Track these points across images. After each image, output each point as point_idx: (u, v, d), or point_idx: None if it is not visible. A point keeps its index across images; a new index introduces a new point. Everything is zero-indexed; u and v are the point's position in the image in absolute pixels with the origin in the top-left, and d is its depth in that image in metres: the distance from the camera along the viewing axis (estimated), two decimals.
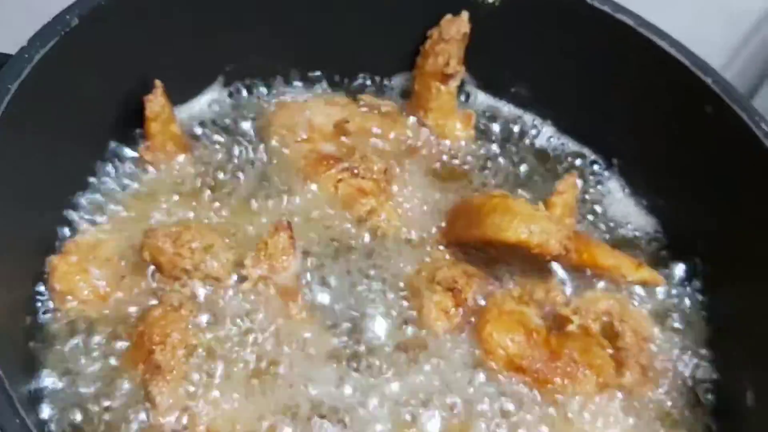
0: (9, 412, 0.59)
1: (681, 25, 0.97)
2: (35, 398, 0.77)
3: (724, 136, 0.91)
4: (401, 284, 0.92)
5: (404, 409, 0.82)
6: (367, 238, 0.95)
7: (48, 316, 0.83)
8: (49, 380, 0.79)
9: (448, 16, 1.04)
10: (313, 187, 0.99)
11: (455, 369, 0.85)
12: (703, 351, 0.92)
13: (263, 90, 1.08)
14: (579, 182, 1.03)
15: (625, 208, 1.05)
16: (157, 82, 0.95)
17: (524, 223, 0.88)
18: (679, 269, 0.99)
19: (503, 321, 0.87)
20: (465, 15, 1.03)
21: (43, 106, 0.83)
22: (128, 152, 0.97)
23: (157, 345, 0.79)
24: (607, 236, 1.01)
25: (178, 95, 1.01)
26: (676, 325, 0.94)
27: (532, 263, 0.93)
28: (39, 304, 0.83)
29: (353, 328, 0.88)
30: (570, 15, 1.01)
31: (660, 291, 0.96)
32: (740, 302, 0.92)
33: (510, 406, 0.83)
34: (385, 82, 1.12)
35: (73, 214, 0.91)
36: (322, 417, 0.80)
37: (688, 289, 0.97)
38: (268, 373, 0.82)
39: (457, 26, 1.03)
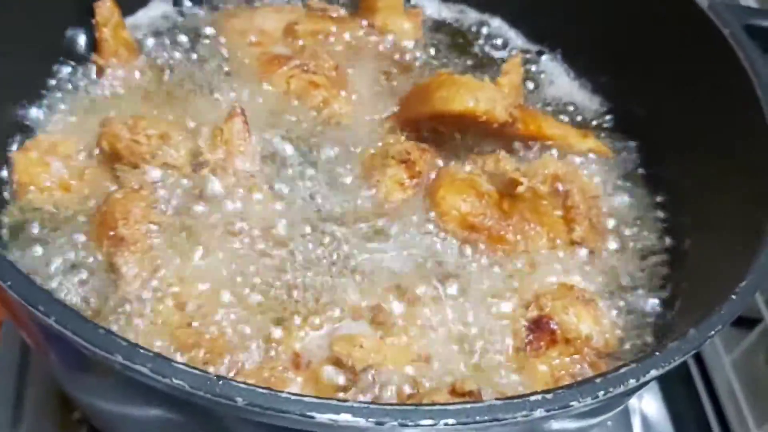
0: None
1: None
2: None
3: (656, 6, 0.94)
4: (357, 165, 0.94)
5: (366, 271, 0.85)
6: (321, 127, 0.98)
7: (10, 205, 0.85)
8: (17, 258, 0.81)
9: None
10: (266, 85, 1.01)
11: (412, 234, 0.88)
12: (649, 205, 0.96)
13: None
14: (525, 67, 1.06)
15: (570, 90, 1.08)
16: None
17: (470, 92, 0.91)
18: (625, 140, 1.02)
19: (455, 185, 0.90)
20: None
21: None
22: (83, 57, 0.98)
23: (120, 220, 0.81)
24: (555, 115, 1.05)
25: (129, 5, 1.03)
26: (623, 186, 0.97)
27: (482, 138, 0.96)
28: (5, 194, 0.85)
29: (314, 207, 0.90)
30: None
31: (607, 160, 1.00)
32: (680, 166, 0.96)
33: (464, 263, 0.86)
34: None
35: (33, 116, 0.93)
36: (284, 285, 0.83)
37: (633, 156, 1.00)
38: (236, 249, 0.84)
39: None
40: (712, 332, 0.58)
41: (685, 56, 0.93)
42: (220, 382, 0.50)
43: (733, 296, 0.61)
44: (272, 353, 0.76)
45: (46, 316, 0.51)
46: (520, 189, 0.90)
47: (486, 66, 1.10)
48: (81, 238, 0.84)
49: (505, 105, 0.91)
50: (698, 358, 1.28)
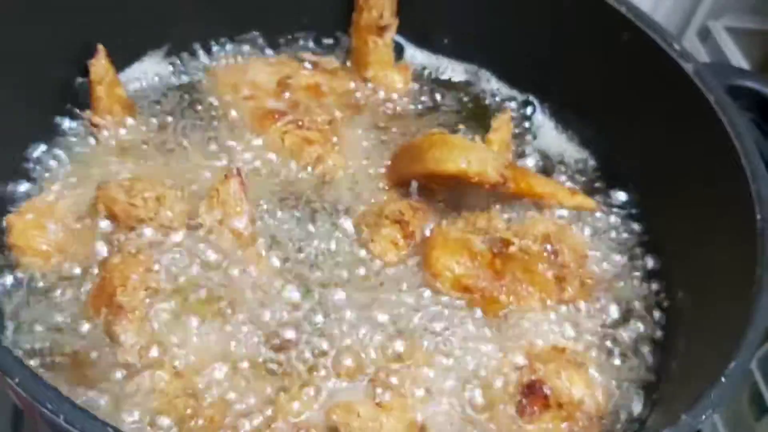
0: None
1: None
2: None
3: (642, 60, 0.97)
4: (351, 224, 0.95)
5: (361, 332, 0.86)
6: (316, 183, 0.99)
7: (7, 271, 0.85)
8: (10, 332, 0.82)
9: None
10: (260, 141, 1.03)
11: (406, 295, 0.89)
12: (638, 263, 0.97)
13: (205, 53, 1.11)
14: (513, 121, 1.08)
15: (558, 143, 1.10)
16: (100, 46, 0.98)
17: (462, 153, 0.92)
18: (613, 194, 1.04)
19: (449, 246, 0.91)
20: None
21: None
22: (78, 116, 0.99)
23: (119, 287, 0.82)
24: (543, 169, 1.07)
25: (122, 60, 1.03)
26: (612, 244, 0.99)
27: (474, 196, 0.98)
28: None
29: (308, 268, 0.91)
30: None
31: (595, 215, 1.01)
32: (668, 218, 0.97)
33: (457, 324, 0.88)
34: (326, 40, 1.16)
35: (28, 176, 0.93)
36: (280, 350, 0.84)
37: (621, 211, 1.02)
38: (232, 313, 0.85)
39: None
40: (704, 417, 0.60)
41: (672, 117, 0.95)
42: None
43: (723, 378, 0.63)
44: (270, 423, 0.77)
45: (55, 414, 0.52)
46: (512, 249, 0.92)
47: (476, 117, 1.12)
48: (78, 303, 0.84)
49: (496, 166, 0.93)
50: None
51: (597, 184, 1.06)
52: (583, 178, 1.07)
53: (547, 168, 1.07)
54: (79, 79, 0.99)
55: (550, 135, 1.11)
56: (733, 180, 0.84)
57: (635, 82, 0.99)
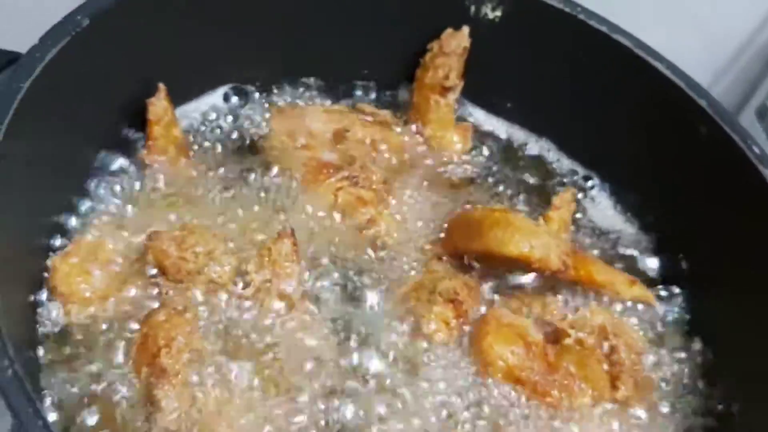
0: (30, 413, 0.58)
1: (663, 48, 1.00)
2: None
3: (716, 157, 0.93)
4: (400, 295, 0.92)
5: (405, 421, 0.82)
6: (367, 247, 0.96)
7: (49, 316, 0.82)
8: (50, 381, 0.78)
9: (449, 30, 1.05)
10: (313, 195, 0.99)
11: (454, 380, 0.86)
12: (692, 363, 0.94)
13: (263, 96, 1.08)
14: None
15: (617, 224, 1.07)
16: (161, 85, 0.95)
17: (526, 237, 0.89)
18: (670, 285, 1.01)
19: (503, 333, 0.88)
20: (466, 30, 1.05)
21: (50, 106, 0.82)
22: (131, 155, 0.96)
23: (163, 348, 0.78)
24: (600, 252, 1.03)
25: (178, 99, 1.00)
26: (664, 338, 0.96)
27: (529, 275, 0.95)
28: (40, 307, 0.82)
29: (355, 338, 0.88)
30: (568, 34, 1.03)
31: (652, 310, 0.98)
32: (728, 317, 0.95)
33: (508, 417, 0.84)
34: (385, 93, 1.13)
35: (75, 216, 0.90)
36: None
37: (678, 306, 0.99)
38: (272, 380, 0.82)
39: (457, 40, 1.05)
40: None
41: (744, 221, 0.92)
42: None
43: None
44: None
45: None
46: (567, 341, 0.89)
47: (535, 189, 1.09)
48: (118, 357, 0.81)
49: (560, 253, 0.90)
50: None
51: (654, 273, 1.03)
52: (641, 266, 1.03)
53: (604, 251, 1.04)
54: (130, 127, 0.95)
55: (608, 214, 1.08)
56: None
57: (707, 177, 0.96)
